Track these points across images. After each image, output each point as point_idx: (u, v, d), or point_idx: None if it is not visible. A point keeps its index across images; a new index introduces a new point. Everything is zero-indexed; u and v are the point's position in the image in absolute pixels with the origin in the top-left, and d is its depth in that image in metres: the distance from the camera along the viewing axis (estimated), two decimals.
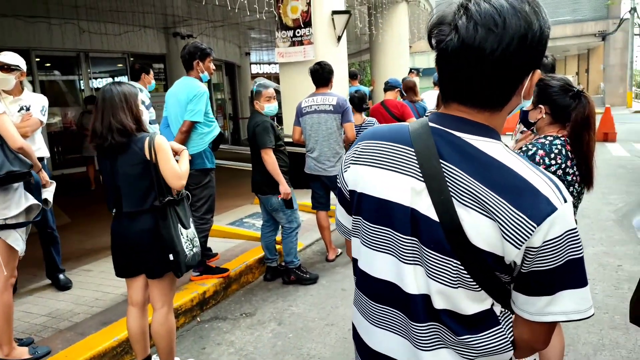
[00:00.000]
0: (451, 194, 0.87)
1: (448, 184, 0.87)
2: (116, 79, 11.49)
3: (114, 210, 2.51)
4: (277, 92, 4.09)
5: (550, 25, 0.86)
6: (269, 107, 3.87)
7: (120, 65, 11.46)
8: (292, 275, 4.02)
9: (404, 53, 9.95)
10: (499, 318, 0.92)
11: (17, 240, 2.56)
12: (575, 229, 0.84)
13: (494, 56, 0.82)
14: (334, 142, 4.30)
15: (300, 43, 6.71)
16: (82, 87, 10.72)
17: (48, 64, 10.22)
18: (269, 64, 19.99)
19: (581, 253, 0.85)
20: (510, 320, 0.95)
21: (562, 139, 2.07)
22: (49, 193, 2.92)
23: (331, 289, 3.96)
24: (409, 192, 0.92)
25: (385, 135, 1.01)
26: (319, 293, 3.90)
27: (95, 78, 11.04)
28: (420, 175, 0.91)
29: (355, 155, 1.04)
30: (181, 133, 3.50)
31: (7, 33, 8.28)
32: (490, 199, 0.83)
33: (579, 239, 0.84)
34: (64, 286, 3.77)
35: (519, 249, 0.83)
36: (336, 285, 4.04)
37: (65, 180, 8.59)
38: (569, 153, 2.03)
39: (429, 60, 23.96)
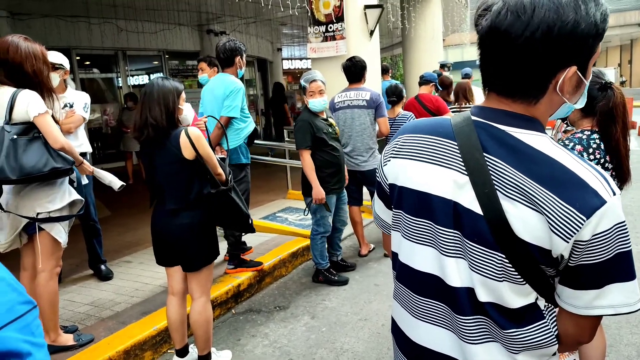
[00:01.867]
0: (495, 187, 0.86)
1: (492, 176, 0.87)
2: (152, 76, 11.80)
3: (153, 203, 2.61)
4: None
5: (602, 21, 0.83)
6: (312, 103, 3.72)
7: (156, 62, 11.71)
8: (321, 276, 4.02)
9: (437, 47, 9.80)
10: (544, 312, 0.92)
11: (60, 233, 2.67)
12: (624, 222, 0.83)
13: (518, 42, 0.82)
14: (367, 137, 4.28)
15: (333, 38, 6.69)
16: (120, 84, 11.02)
17: (87, 62, 10.54)
18: (301, 59, 20.03)
19: (630, 246, 0.84)
20: (554, 314, 0.94)
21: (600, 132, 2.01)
22: (114, 181, 3.00)
23: (364, 284, 3.96)
24: (452, 185, 0.92)
25: (426, 128, 1.01)
26: (352, 288, 3.91)
27: (132, 75, 11.33)
28: (464, 168, 0.91)
29: (395, 149, 1.05)
30: (218, 129, 3.57)
31: (49, 33, 8.57)
32: (537, 192, 0.83)
33: (627, 232, 0.83)
34: (106, 276, 3.91)
35: (568, 242, 0.82)
36: (369, 280, 4.04)
37: None
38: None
39: (462, 53, 23.51)
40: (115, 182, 3.00)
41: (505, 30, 0.83)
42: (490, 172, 0.87)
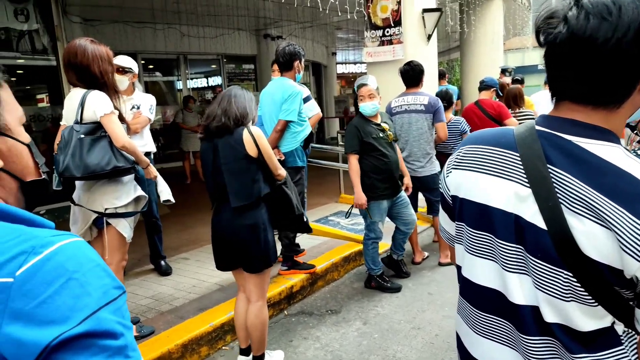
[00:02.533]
0: (560, 200, 0.82)
1: (556, 189, 0.82)
2: (210, 79, 12.19)
3: (214, 202, 2.68)
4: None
5: None
6: (363, 107, 3.72)
7: (214, 66, 12.09)
8: (373, 282, 3.98)
9: (497, 51, 9.50)
10: (621, 338, 0.85)
11: (126, 228, 2.79)
12: None
13: (607, 46, 0.77)
14: (424, 142, 4.22)
15: (390, 42, 6.65)
16: (180, 87, 11.47)
17: (151, 66, 11.05)
18: (355, 63, 20.05)
19: None
20: (634, 341, 0.87)
21: None
22: (165, 191, 3.14)
23: (417, 292, 3.89)
24: (513, 197, 0.89)
25: (488, 139, 0.98)
26: (405, 295, 3.85)
27: (192, 79, 11.76)
28: (526, 180, 0.87)
29: (457, 160, 1.03)
30: (275, 132, 3.63)
31: (117, 38, 9.06)
32: (605, 206, 0.77)
33: None
34: (165, 272, 4.06)
35: None
36: (423, 288, 3.97)
37: (164, 174, 9.22)
38: None
39: (523, 58, 22.68)
40: (166, 194, 3.08)
41: (590, 36, 0.78)
42: (554, 184, 0.83)
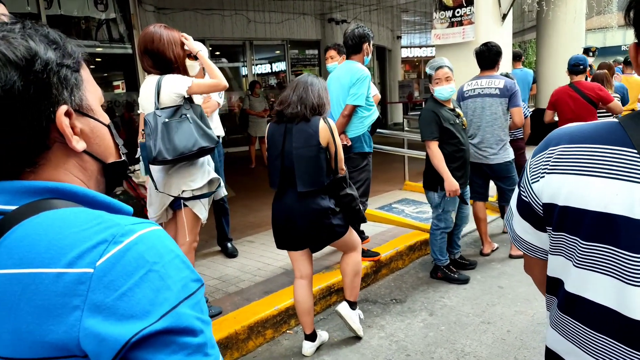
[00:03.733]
0: None
1: None
2: (274, 65, 12.30)
3: (276, 185, 2.70)
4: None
5: None
6: (439, 91, 3.54)
7: (278, 52, 12.18)
8: (440, 272, 3.85)
9: (579, 30, 8.80)
10: None
11: (202, 210, 2.87)
12: None
13: None
14: (498, 127, 4.00)
15: (460, 23, 6.34)
16: (245, 73, 11.66)
17: (218, 52, 11.31)
18: (420, 47, 19.48)
19: None
20: None
21: None
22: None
23: (486, 285, 3.73)
24: (638, 201, 0.77)
25: (590, 136, 0.85)
26: (473, 287, 3.70)
27: (257, 64, 11.92)
28: None
29: (550, 163, 0.89)
30: (343, 117, 3.57)
31: (187, 25, 9.32)
32: None
33: None
34: (231, 254, 4.15)
35: None
36: (492, 281, 3.79)
37: (229, 158, 9.48)
38: None
39: (604, 38, 21.04)
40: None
41: None
42: None
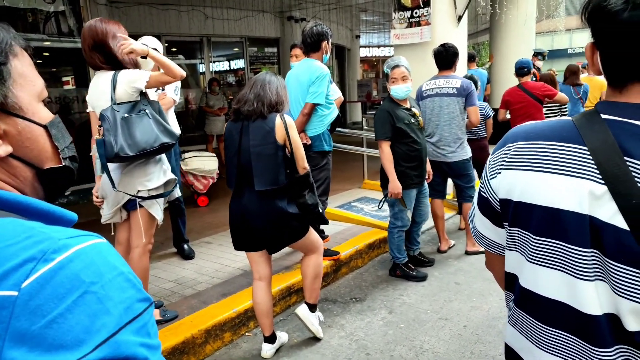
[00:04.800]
0: None
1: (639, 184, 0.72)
2: (232, 62, 12.11)
3: (233, 185, 2.65)
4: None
5: None
6: (395, 90, 3.58)
7: (237, 49, 12.00)
8: (398, 270, 3.89)
9: (529, 34, 9.13)
10: None
11: (158, 210, 2.77)
12: None
13: None
14: (455, 126, 4.07)
15: (418, 24, 6.44)
16: (203, 70, 11.42)
17: (174, 49, 11.02)
18: (378, 47, 19.72)
19: None
20: None
21: None
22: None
23: (444, 282, 3.79)
24: (586, 197, 0.78)
25: (544, 133, 0.87)
26: (431, 284, 3.76)
27: (215, 62, 11.70)
28: (600, 177, 0.77)
29: (507, 160, 0.91)
30: (303, 115, 3.54)
31: (142, 20, 9.04)
32: None
33: None
34: (188, 256, 4.05)
35: None
36: (449, 278, 3.87)
37: None
38: None
39: (552, 41, 21.97)
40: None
41: None
42: (637, 179, 0.73)
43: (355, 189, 6.42)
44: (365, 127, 6.69)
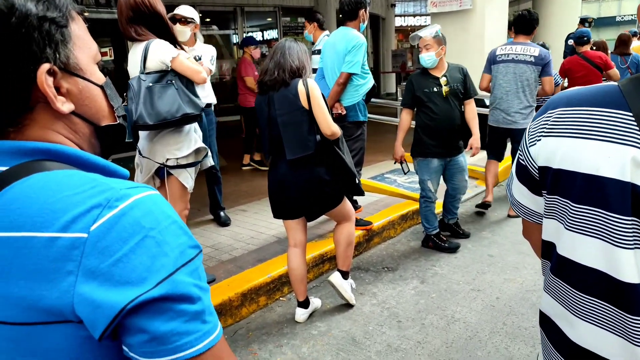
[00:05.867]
0: None
1: None
2: (266, 33, 12.05)
3: (269, 155, 2.68)
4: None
5: None
6: (422, 58, 3.58)
7: (270, 19, 11.91)
8: (430, 241, 3.90)
9: (575, 1, 8.72)
10: None
11: (187, 179, 2.83)
12: None
13: None
14: (529, 94, 4.17)
15: None
16: (237, 41, 11.42)
17: (208, 19, 11.03)
18: (414, 16, 19.18)
19: None
20: None
21: None
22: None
23: (477, 254, 3.78)
24: (629, 164, 0.76)
25: (586, 99, 0.84)
26: (464, 256, 3.75)
27: (248, 32, 11.66)
28: None
29: (547, 126, 0.89)
30: (338, 85, 3.52)
31: None
32: None
33: None
34: (224, 223, 4.16)
35: None
36: (482, 250, 3.85)
37: (220, 127, 9.38)
38: None
39: (599, 8, 20.82)
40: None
41: None
42: None
43: (389, 160, 6.34)
44: (400, 98, 6.59)
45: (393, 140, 6.66)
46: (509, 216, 4.44)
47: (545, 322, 0.99)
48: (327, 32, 4.59)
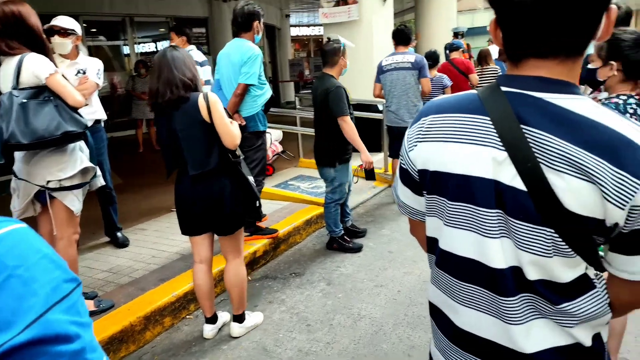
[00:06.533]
0: (538, 160, 0.81)
1: (534, 149, 0.82)
2: (159, 44, 11.63)
3: (170, 173, 2.60)
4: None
5: None
6: (346, 69, 3.91)
7: (163, 29, 11.54)
8: (335, 243, 4.04)
9: (451, 12, 9.52)
10: (594, 281, 0.88)
11: (74, 201, 2.64)
12: None
13: None
14: (412, 95, 4.75)
15: (345, 2, 6.54)
16: (128, 52, 10.89)
17: (94, 29, 10.40)
18: (308, 26, 19.66)
19: None
20: (604, 282, 0.91)
21: (637, 97, 1.94)
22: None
23: (378, 252, 3.97)
24: (490, 163, 0.87)
25: (452, 106, 0.95)
26: (366, 255, 3.93)
27: (139, 43, 11.18)
28: (501, 144, 0.85)
29: (422, 133, 0.98)
30: (235, 96, 3.51)
31: None
32: (586, 160, 0.77)
33: None
34: (122, 244, 3.94)
35: (623, 209, 0.77)
36: (382, 247, 4.05)
37: (114, 142, 8.86)
38: None
39: (473, 19, 22.91)
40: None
41: None
42: (531, 144, 0.82)
43: (291, 167, 6.48)
44: (299, 107, 6.73)
45: (294, 147, 6.79)
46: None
47: (434, 312, 1.09)
48: (193, 47, 4.57)
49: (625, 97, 1.93)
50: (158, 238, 4.08)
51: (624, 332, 2.19)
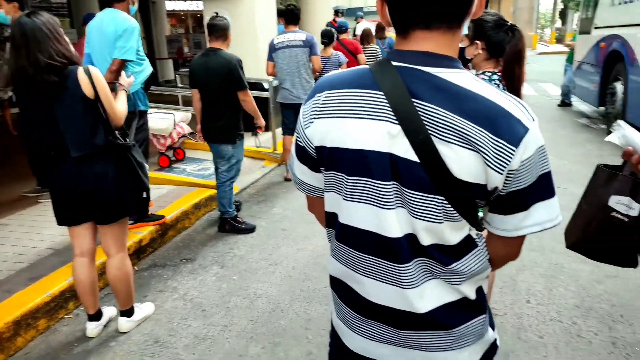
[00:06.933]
0: (429, 132, 0.85)
1: (425, 122, 0.85)
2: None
3: (38, 163, 2.31)
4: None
5: None
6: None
7: None
8: (227, 225, 3.96)
9: None
10: (476, 240, 0.96)
11: None
12: (544, 144, 0.87)
13: None
14: (304, 72, 4.91)
15: None
16: None
17: None
18: (185, 0, 18.63)
19: (550, 166, 0.89)
20: (484, 241, 1.00)
21: (499, 74, 2.13)
22: None
23: (271, 230, 3.98)
24: (385, 137, 0.89)
25: (346, 82, 0.96)
26: (260, 234, 3.91)
27: None
28: (394, 118, 0.88)
29: (317, 109, 0.98)
30: (110, 72, 3.19)
31: None
32: (471, 130, 0.83)
33: (547, 153, 0.88)
34: None
35: (502, 174, 0.85)
36: (275, 225, 4.07)
37: None
38: (505, 88, 2.10)
39: (350, 0, 23.61)
40: None
41: None
42: (422, 117, 0.86)
43: None
44: (180, 85, 6.39)
45: None
46: (286, 179, 5.13)
47: (337, 285, 1.10)
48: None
49: (489, 74, 2.12)
50: (24, 233, 3.62)
51: (493, 285, 2.47)
